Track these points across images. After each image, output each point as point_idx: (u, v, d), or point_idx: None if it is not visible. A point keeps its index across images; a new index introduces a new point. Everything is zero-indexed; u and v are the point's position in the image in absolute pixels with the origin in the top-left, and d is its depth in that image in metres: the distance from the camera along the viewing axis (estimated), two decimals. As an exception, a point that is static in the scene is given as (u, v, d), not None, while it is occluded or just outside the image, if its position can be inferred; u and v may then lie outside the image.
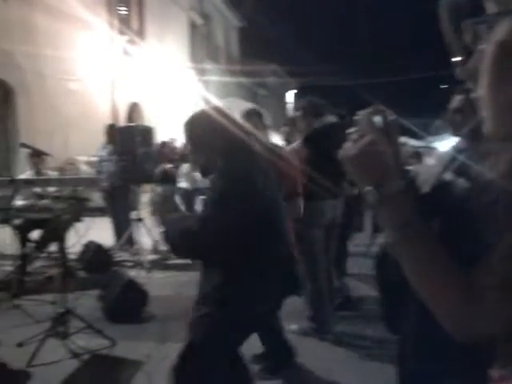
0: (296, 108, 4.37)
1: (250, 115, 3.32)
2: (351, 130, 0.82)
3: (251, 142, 1.94)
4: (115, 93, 13.07)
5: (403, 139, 7.69)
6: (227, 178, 1.81)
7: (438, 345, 0.82)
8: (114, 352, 3.44)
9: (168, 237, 2.02)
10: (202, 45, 20.76)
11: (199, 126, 1.95)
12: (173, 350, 3.40)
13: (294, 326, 3.64)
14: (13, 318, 4.08)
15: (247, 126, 1.98)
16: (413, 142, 8.70)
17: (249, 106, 4.83)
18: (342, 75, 25.59)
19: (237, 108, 3.37)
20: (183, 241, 1.88)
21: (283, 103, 31.04)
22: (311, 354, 3.30)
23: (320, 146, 3.47)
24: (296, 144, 3.84)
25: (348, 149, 0.79)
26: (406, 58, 31.76)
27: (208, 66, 19.96)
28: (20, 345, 3.49)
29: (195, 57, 19.58)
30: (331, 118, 3.83)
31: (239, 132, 1.88)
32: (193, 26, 19.83)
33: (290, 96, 31.21)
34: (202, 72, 18.82)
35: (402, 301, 0.90)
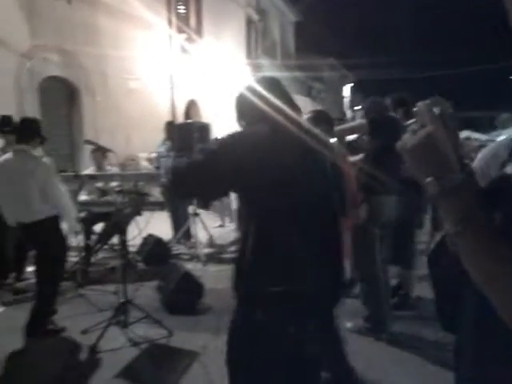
0: (357, 107, 4.29)
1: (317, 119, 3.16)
2: (410, 121, 0.80)
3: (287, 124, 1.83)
4: (174, 90, 13.38)
5: (467, 133, 7.36)
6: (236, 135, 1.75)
7: (501, 345, 0.77)
8: (171, 342, 3.55)
9: (174, 168, 1.92)
10: (259, 40, 20.82)
11: (240, 97, 1.94)
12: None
13: (349, 324, 3.60)
14: (77, 307, 4.31)
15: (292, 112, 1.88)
16: (477, 136, 8.31)
17: (303, 99, 4.78)
18: (402, 68, 24.83)
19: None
20: (187, 170, 1.75)
21: (340, 97, 30.56)
22: (366, 353, 3.24)
23: (384, 138, 3.35)
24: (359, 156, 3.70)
25: (407, 140, 0.78)
26: (471, 48, 30.34)
27: (264, 61, 20.00)
28: (84, 332, 3.68)
29: (251, 53, 19.69)
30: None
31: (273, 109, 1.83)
32: (249, 22, 19.93)
33: (347, 90, 30.67)
34: (257, 68, 18.89)
35: (458, 297, 0.87)
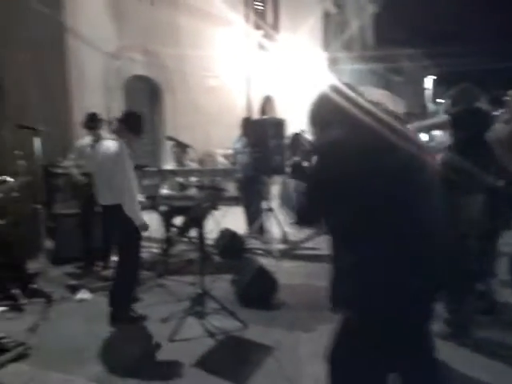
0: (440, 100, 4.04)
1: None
2: (501, 111, 0.74)
3: (375, 125, 1.79)
4: (250, 87, 13.54)
5: None
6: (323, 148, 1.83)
7: None
8: (246, 335, 3.60)
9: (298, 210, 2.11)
10: (336, 34, 20.47)
11: (317, 104, 1.95)
12: (302, 339, 3.50)
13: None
14: (157, 296, 4.50)
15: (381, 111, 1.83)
16: None
17: (381, 92, 4.62)
18: (487, 57, 23.23)
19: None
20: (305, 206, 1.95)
21: (420, 89, 29.26)
22: (449, 358, 3.08)
23: (468, 130, 3.12)
24: None
25: (499, 130, 0.72)
26: None
27: (341, 54, 19.63)
28: (164, 320, 3.85)
29: (329, 46, 19.40)
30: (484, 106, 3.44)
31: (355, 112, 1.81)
32: (326, 16, 19.64)
33: (429, 82, 29.29)
34: (335, 61, 18.58)
35: None
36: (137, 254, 3.94)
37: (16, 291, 4.26)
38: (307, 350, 3.29)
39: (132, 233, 3.78)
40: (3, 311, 4.12)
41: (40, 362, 3.19)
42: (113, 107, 8.17)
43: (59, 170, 6.05)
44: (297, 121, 10.11)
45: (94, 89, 8.39)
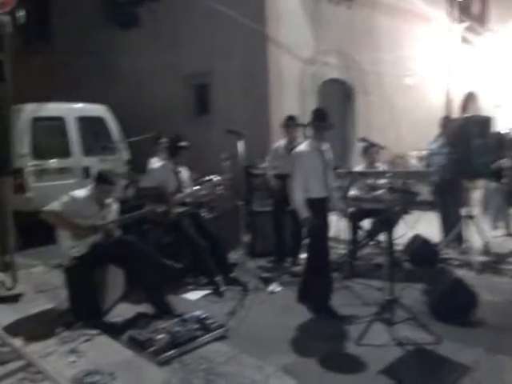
0: None
1: None
2: None
3: None
4: (450, 84, 12.62)
5: None
6: None
7: None
8: (439, 350, 3.35)
9: None
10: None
11: None
12: (506, 364, 3.10)
13: None
14: (342, 297, 4.48)
15: None
16: None
17: None
18: None
19: None
20: None
21: None
22: None
23: None
24: None
25: None
26: None
27: None
28: (349, 323, 3.83)
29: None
30: None
31: None
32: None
33: None
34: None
35: None
36: (321, 249, 4.07)
37: (218, 278, 4.74)
38: (512, 377, 2.91)
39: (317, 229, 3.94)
40: (207, 294, 4.63)
41: (237, 345, 3.49)
42: (307, 111, 8.48)
43: (257, 171, 6.53)
44: (504, 119, 9.07)
45: (291, 93, 8.81)
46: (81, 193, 4.08)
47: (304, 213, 4.03)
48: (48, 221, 3.94)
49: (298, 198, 4.08)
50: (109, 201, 4.23)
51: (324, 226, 4.22)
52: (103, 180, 4.10)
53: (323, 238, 4.21)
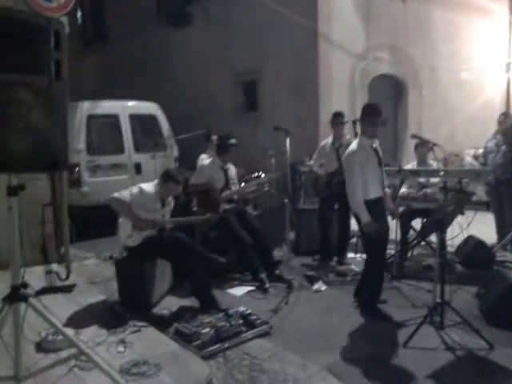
0: None
1: None
2: None
3: None
4: (510, 78, 12.00)
5: None
6: None
7: None
8: (491, 356, 3.21)
9: None
10: None
11: None
12: None
13: None
14: (390, 298, 4.36)
15: None
16: None
17: None
18: None
19: None
20: None
21: None
22: None
23: None
24: None
25: None
26: None
27: None
28: (398, 324, 3.74)
29: None
30: None
31: None
32: None
33: None
34: None
35: None
36: (379, 252, 4.03)
37: (263, 275, 4.75)
38: None
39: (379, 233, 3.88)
40: (252, 291, 4.65)
41: (280, 342, 3.48)
42: (357, 107, 8.33)
43: (304, 169, 6.48)
44: None
45: (340, 90, 8.69)
46: (149, 187, 4.18)
47: (365, 216, 3.85)
48: (114, 207, 4.05)
49: (359, 200, 3.90)
50: (170, 198, 4.35)
51: (385, 228, 4.09)
52: (170, 178, 4.19)
53: (384, 241, 4.10)
